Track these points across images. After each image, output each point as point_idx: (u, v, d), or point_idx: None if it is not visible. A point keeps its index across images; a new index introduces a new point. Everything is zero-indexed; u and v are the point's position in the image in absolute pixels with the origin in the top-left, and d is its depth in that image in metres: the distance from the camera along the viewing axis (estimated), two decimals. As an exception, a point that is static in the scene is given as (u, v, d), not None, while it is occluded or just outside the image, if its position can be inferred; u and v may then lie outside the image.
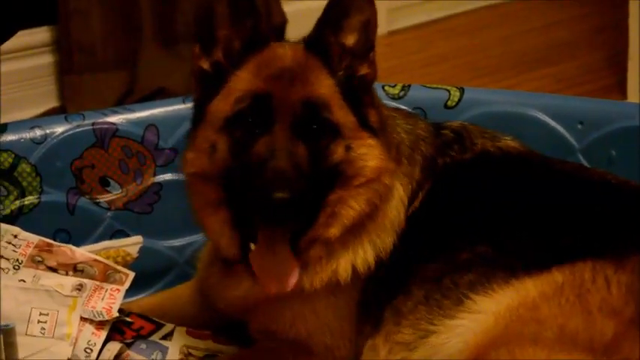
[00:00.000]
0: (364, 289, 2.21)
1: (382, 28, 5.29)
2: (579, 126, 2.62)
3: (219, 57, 2.15)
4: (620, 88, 4.30)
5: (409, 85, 2.76)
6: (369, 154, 2.12)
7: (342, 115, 2.10)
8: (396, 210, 2.22)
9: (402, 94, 2.74)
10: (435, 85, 2.78)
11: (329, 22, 2.13)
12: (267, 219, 1.99)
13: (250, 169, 2.00)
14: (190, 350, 2.32)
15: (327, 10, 2.13)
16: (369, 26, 2.13)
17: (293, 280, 2.05)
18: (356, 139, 2.11)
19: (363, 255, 2.18)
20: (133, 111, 2.70)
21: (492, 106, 2.70)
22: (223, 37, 2.14)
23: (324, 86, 2.11)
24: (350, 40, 2.13)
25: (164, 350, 2.30)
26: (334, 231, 2.13)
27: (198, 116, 2.17)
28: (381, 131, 2.17)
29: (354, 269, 2.17)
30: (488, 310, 1.99)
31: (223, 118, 2.09)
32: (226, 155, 2.08)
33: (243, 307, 2.26)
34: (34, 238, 2.35)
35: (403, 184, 2.24)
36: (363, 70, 2.16)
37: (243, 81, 2.11)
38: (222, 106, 2.11)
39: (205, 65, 2.17)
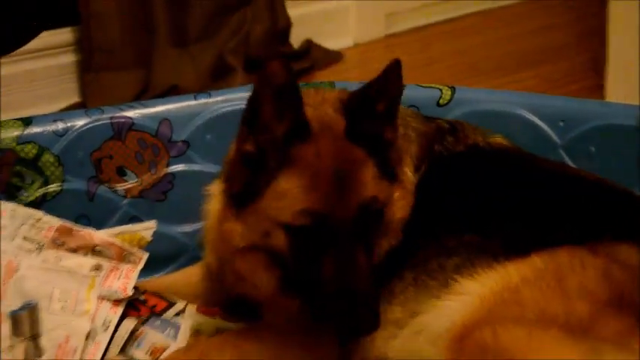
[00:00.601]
0: None
1: (380, 31, 5.29)
2: (561, 124, 2.63)
3: (264, 142, 2.07)
4: (599, 89, 4.30)
5: (405, 85, 2.76)
6: (397, 211, 2.14)
7: (382, 192, 2.08)
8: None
9: (397, 92, 2.75)
10: (428, 85, 2.79)
11: (367, 107, 2.09)
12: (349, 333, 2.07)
13: (320, 281, 2.00)
14: (202, 327, 2.33)
15: (364, 94, 2.10)
16: (395, 98, 2.11)
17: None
18: (388, 203, 2.11)
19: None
20: (148, 106, 2.71)
21: (481, 104, 2.70)
22: (268, 122, 2.05)
23: (372, 177, 2.08)
24: (380, 108, 2.09)
25: (177, 326, 2.32)
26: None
27: (246, 195, 2.09)
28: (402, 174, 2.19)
29: None
30: (473, 292, 2.01)
31: (282, 222, 2.04)
32: (285, 249, 2.05)
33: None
34: (56, 222, 2.37)
35: (409, 167, 2.25)
36: (388, 134, 2.13)
37: (298, 193, 2.03)
38: (278, 208, 2.04)
39: (250, 148, 2.08)
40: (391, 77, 2.07)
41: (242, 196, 2.10)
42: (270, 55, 1.96)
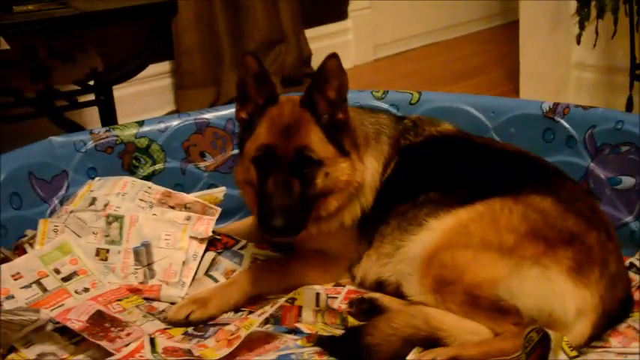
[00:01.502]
0: (363, 224, 2.17)
1: (370, 57, 5.28)
2: (492, 114, 2.56)
3: (251, 109, 2.10)
4: (515, 92, 4.26)
5: (387, 91, 2.72)
6: (340, 174, 2.06)
7: (324, 150, 2.03)
8: (372, 178, 2.16)
9: (383, 96, 2.69)
10: (403, 90, 2.73)
11: (316, 87, 2.05)
12: (269, 234, 2.01)
13: (265, 195, 1.98)
14: (257, 256, 2.29)
15: (314, 78, 2.07)
16: (341, 88, 2.06)
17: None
18: (332, 165, 2.05)
19: (354, 212, 2.15)
20: (219, 110, 2.65)
21: (439, 102, 2.63)
22: (252, 96, 2.09)
23: (312, 135, 2.03)
24: (331, 95, 2.06)
25: (241, 256, 2.28)
26: (323, 213, 2.10)
27: (241, 149, 2.13)
28: (353, 149, 2.11)
29: (352, 220, 2.15)
30: (437, 228, 1.97)
31: (252, 157, 2.05)
32: (255, 178, 2.04)
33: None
34: (160, 189, 2.35)
35: (376, 159, 2.19)
36: (340, 116, 2.08)
37: (261, 134, 2.05)
38: (250, 147, 2.06)
39: (244, 115, 2.11)
40: (329, 65, 2.02)
41: (240, 148, 2.14)
42: (245, 52, 1.99)
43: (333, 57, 2.02)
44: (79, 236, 2.20)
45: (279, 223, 1.93)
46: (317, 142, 2.04)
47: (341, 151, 2.07)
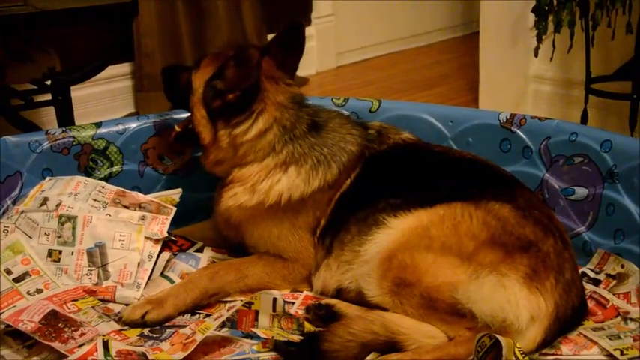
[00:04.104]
0: (323, 231, 2.16)
1: (332, 64, 5.31)
2: (450, 123, 2.58)
3: None
4: (475, 102, 4.32)
5: (348, 98, 2.72)
6: (199, 121, 2.18)
7: (199, 87, 2.18)
8: (287, 189, 2.13)
9: (343, 103, 2.70)
10: (364, 98, 2.73)
11: (234, 59, 2.13)
12: None
13: None
14: (214, 259, 2.29)
15: (236, 51, 2.13)
16: (245, 80, 2.10)
17: None
18: (196, 105, 2.18)
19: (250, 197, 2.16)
20: (179, 114, 2.59)
21: (398, 111, 2.65)
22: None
23: (202, 74, 2.19)
24: (233, 78, 2.11)
25: (197, 259, 2.28)
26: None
27: None
28: (233, 129, 2.16)
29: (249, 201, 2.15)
30: (397, 227, 1.97)
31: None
32: None
33: (228, 222, 2.23)
34: (114, 188, 2.31)
35: (306, 176, 2.14)
36: (229, 97, 2.11)
37: None
38: None
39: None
40: (251, 55, 2.07)
41: None
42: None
43: (262, 52, 2.07)
44: (30, 237, 2.16)
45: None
46: (199, 80, 2.13)
47: (210, 115, 2.13)
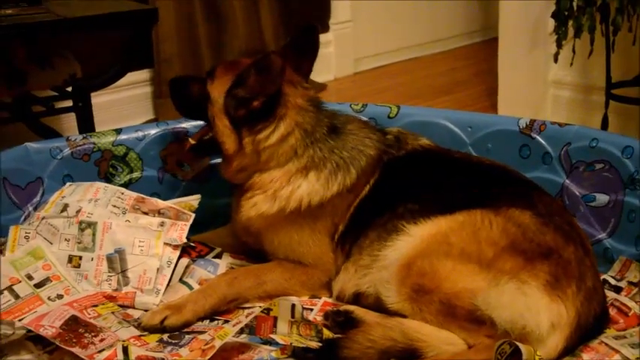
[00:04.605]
0: (340, 239, 2.16)
1: (351, 70, 5.32)
2: (469, 129, 2.58)
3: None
4: (493, 108, 4.30)
5: (367, 104, 2.73)
6: (222, 131, 2.16)
7: (219, 98, 2.15)
8: (307, 195, 2.13)
9: (362, 109, 2.70)
10: (382, 104, 2.73)
11: (254, 66, 2.11)
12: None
13: None
14: (233, 266, 2.28)
15: (255, 59, 2.11)
16: (268, 87, 2.09)
17: None
18: (217, 114, 2.16)
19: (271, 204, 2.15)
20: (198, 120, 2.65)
21: (417, 117, 2.65)
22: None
23: (220, 84, 2.16)
24: (256, 85, 2.09)
25: (216, 265, 2.28)
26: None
27: None
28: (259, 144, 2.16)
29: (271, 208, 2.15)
30: (416, 234, 1.96)
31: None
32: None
33: (248, 230, 2.23)
34: (133, 194, 2.32)
35: (325, 181, 2.14)
36: (254, 104, 2.10)
37: None
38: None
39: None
40: (273, 61, 2.05)
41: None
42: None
43: (279, 57, 2.05)
44: (50, 243, 2.17)
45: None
46: (218, 91, 2.12)
47: (234, 124, 2.11)
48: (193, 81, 2.27)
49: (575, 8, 3.40)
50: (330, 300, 2.17)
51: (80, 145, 2.47)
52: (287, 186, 2.13)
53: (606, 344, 1.90)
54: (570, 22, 3.44)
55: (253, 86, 2.08)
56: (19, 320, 1.89)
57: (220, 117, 2.14)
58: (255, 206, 2.16)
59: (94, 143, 2.49)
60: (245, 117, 2.12)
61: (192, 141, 2.31)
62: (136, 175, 2.53)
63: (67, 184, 2.38)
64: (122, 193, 2.31)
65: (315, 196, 2.12)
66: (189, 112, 2.32)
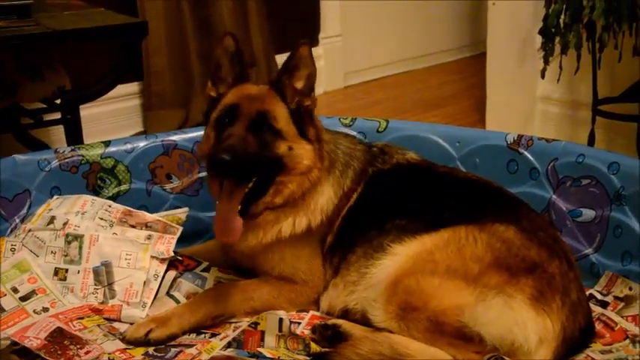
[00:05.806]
0: (329, 252, 2.17)
1: (341, 84, 5.34)
2: (457, 144, 2.59)
3: (222, 88, 2.14)
4: (482, 122, 4.32)
5: (355, 118, 2.74)
6: (304, 155, 2.07)
7: (286, 125, 2.05)
8: (324, 200, 2.15)
9: (351, 123, 2.71)
10: (371, 118, 2.75)
11: (286, 72, 2.09)
12: (211, 169, 2.00)
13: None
14: (221, 280, 2.28)
15: (285, 64, 2.10)
16: (311, 76, 2.09)
17: (236, 235, 2.00)
18: (295, 142, 2.06)
19: (298, 222, 2.13)
20: (187, 133, 2.64)
21: (405, 131, 2.66)
22: (225, 75, 2.13)
23: (277, 107, 2.06)
24: (299, 84, 2.09)
25: (203, 279, 2.27)
26: (278, 200, 2.08)
27: (205, 122, 2.15)
28: (316, 142, 2.11)
29: (289, 233, 2.13)
30: (402, 253, 1.96)
31: (214, 119, 2.07)
32: (213, 141, 2.05)
33: (247, 256, 2.22)
34: (121, 207, 2.31)
35: (334, 188, 2.17)
36: (307, 103, 2.10)
37: (227, 99, 2.09)
38: (214, 115, 2.09)
39: (213, 93, 2.15)
40: (301, 53, 2.06)
41: (205, 123, 2.15)
42: (226, 32, 2.05)
43: (305, 44, 2.07)
44: (37, 255, 2.16)
45: (225, 156, 1.88)
46: (280, 114, 2.05)
47: (304, 136, 2.08)
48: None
49: (562, 25, 3.43)
50: (317, 313, 2.17)
51: (68, 158, 2.47)
52: (319, 198, 2.15)
53: (593, 358, 1.91)
54: (557, 39, 3.47)
55: (301, 77, 2.08)
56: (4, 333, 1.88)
57: (299, 142, 2.06)
58: (280, 232, 2.14)
59: (82, 155, 2.48)
60: (308, 113, 2.11)
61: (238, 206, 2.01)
62: (124, 187, 2.52)
63: (55, 196, 2.37)
64: (109, 206, 2.30)
65: (331, 206, 2.16)
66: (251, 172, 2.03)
